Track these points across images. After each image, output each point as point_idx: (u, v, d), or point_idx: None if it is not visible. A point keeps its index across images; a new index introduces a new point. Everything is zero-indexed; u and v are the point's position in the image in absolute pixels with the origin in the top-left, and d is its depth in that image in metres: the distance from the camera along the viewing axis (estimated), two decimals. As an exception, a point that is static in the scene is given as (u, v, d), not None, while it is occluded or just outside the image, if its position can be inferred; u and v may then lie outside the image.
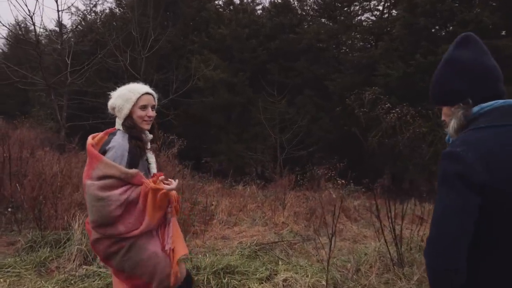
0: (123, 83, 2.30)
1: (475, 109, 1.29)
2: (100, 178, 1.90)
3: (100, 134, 2.13)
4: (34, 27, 11.20)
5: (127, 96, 2.12)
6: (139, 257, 1.99)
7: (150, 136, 2.22)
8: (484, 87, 1.29)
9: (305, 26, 19.93)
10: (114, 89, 2.24)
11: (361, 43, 19.77)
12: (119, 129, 2.12)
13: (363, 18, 20.02)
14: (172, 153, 5.22)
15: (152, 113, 2.18)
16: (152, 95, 2.22)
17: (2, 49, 18.45)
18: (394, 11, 19.22)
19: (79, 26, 19.46)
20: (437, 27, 13.36)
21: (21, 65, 14.29)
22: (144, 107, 2.14)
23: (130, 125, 2.11)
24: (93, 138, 2.08)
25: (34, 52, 11.20)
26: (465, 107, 1.30)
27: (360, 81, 17.33)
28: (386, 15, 19.61)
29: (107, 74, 17.51)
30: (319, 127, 17.61)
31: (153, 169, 2.21)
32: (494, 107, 1.25)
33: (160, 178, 2.04)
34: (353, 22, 19.88)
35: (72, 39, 16.99)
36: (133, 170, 1.98)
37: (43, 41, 18.42)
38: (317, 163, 21.47)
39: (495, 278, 1.20)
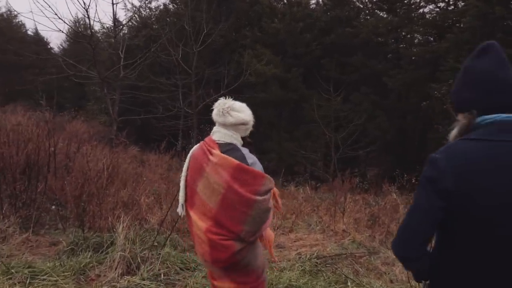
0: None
1: (478, 120, 1.30)
2: (267, 192, 2.10)
3: (218, 152, 2.13)
4: (89, 19, 11.27)
5: (253, 118, 2.29)
6: (258, 250, 2.23)
7: None
8: (491, 99, 1.30)
9: (362, 20, 18.81)
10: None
11: (423, 37, 18.30)
12: (235, 143, 2.19)
13: (426, 10, 18.53)
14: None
15: None
16: None
17: (62, 45, 19.12)
18: (461, 1, 17.65)
19: (133, 21, 19.77)
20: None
21: (78, 60, 14.62)
22: None
23: (249, 142, 2.30)
24: (212, 154, 2.13)
25: (89, 45, 11.26)
26: (469, 117, 1.33)
27: (422, 77, 16.06)
28: (452, 6, 18.05)
29: (160, 69, 17.55)
30: (375, 126, 16.53)
31: None
32: (494, 121, 1.27)
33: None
34: (415, 15, 18.50)
35: (127, 34, 17.24)
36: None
37: (99, 37, 18.88)
38: (373, 163, 20.43)
39: (454, 273, 1.32)
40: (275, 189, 2.26)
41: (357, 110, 16.22)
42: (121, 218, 3.80)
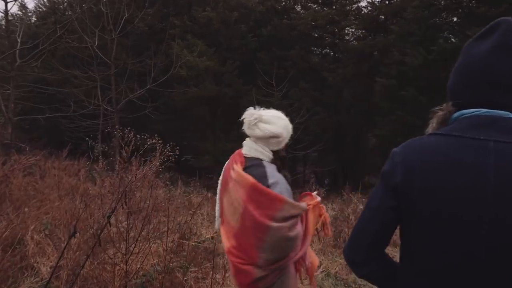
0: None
1: (456, 114, 1.16)
2: (287, 219, 1.83)
3: (237, 168, 1.94)
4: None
5: (289, 129, 2.08)
6: (291, 282, 1.98)
7: None
8: (476, 92, 1.12)
9: (299, 11, 17.97)
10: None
11: (361, 31, 17.93)
12: (262, 158, 1.99)
13: (363, 4, 18.21)
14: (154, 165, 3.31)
15: None
16: None
17: None
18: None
19: (41, 6, 16.90)
20: (471, 4, 11.54)
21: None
22: None
23: (283, 157, 2.09)
24: (233, 169, 1.95)
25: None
26: (446, 109, 1.20)
27: (364, 72, 15.59)
28: (387, 1, 17.93)
29: (74, 60, 15.07)
30: (316, 123, 15.73)
31: None
32: (471, 116, 1.12)
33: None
34: (350, 8, 18.10)
35: (37, 22, 14.53)
36: (305, 204, 2.01)
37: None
38: (315, 163, 19.76)
39: (407, 273, 1.19)
40: (326, 214, 2.11)
41: (297, 106, 15.24)
42: None
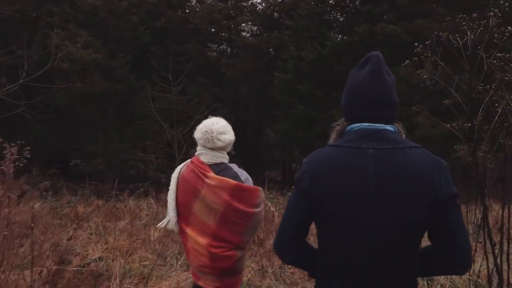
0: None
1: (348, 127, 1.42)
2: (261, 203, 2.30)
3: (214, 175, 2.21)
4: None
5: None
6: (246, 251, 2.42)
7: None
8: (360, 109, 1.39)
9: (195, 4, 17.34)
10: None
11: (257, 27, 18.03)
12: (224, 162, 2.30)
13: (258, 0, 18.31)
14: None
15: None
16: None
17: None
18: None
19: None
20: (357, 3, 12.17)
21: None
22: None
23: (232, 155, 2.41)
24: (207, 177, 2.19)
25: None
26: (341, 124, 1.47)
27: (261, 67, 15.65)
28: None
29: None
30: (216, 120, 15.31)
31: None
32: (358, 129, 1.38)
33: None
34: (245, 4, 18.11)
35: None
36: None
37: None
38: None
39: (322, 265, 1.44)
40: None
41: (196, 102, 14.64)
42: None
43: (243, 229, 2.20)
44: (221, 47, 19.06)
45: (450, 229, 1.29)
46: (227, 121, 2.38)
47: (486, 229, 2.82)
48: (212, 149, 2.25)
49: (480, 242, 3.00)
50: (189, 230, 2.24)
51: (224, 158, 2.29)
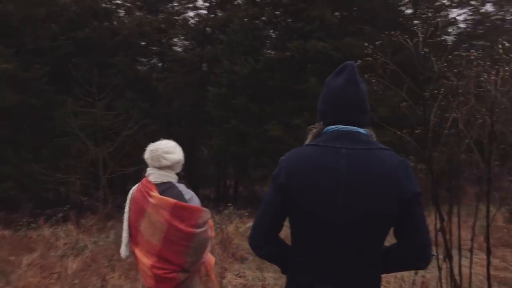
0: None
1: (324, 129, 1.52)
2: (205, 223, 2.29)
3: (156, 194, 2.26)
4: None
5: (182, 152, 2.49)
6: (198, 278, 2.43)
7: None
8: (337, 113, 1.49)
9: (124, 15, 16.51)
10: None
11: (190, 41, 17.61)
12: (171, 181, 2.36)
13: (191, 14, 17.96)
14: None
15: None
16: None
17: None
18: (220, 11, 17.97)
19: None
20: (289, 21, 12.28)
21: None
22: None
23: (181, 176, 2.51)
24: (150, 196, 2.25)
25: None
26: (318, 127, 1.57)
27: (194, 82, 15.21)
28: (213, 15, 18.20)
29: None
30: (146, 136, 14.49)
31: None
32: (333, 130, 1.48)
33: None
34: (177, 19, 17.69)
35: None
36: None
37: None
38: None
39: (294, 258, 1.50)
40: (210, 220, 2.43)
41: (124, 118, 13.71)
42: None
43: (184, 250, 2.20)
44: (151, 61, 18.31)
45: (414, 226, 1.39)
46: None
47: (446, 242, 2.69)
48: (159, 168, 2.32)
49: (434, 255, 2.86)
50: (137, 251, 2.29)
51: (171, 177, 2.35)
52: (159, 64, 18.03)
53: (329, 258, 1.40)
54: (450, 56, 2.97)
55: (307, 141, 1.56)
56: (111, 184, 12.08)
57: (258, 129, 11.24)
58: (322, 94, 1.55)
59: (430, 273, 3.68)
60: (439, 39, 11.19)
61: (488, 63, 2.81)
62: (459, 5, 13.00)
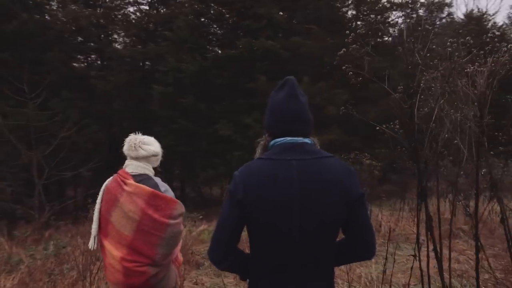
0: None
1: (271, 142, 1.59)
2: (179, 216, 2.29)
3: (132, 182, 2.26)
4: None
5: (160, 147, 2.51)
6: (172, 273, 2.40)
7: None
8: (281, 125, 1.57)
9: (57, 8, 15.37)
10: None
11: (130, 38, 16.82)
12: (148, 173, 2.36)
13: (131, 10, 17.16)
14: None
15: None
16: None
17: None
18: (163, 7, 17.40)
19: None
20: (235, 18, 12.09)
21: None
22: None
23: (160, 171, 2.51)
24: (126, 184, 2.25)
25: None
26: (265, 139, 1.64)
27: (137, 80, 14.54)
28: (155, 11, 17.58)
29: None
30: (86, 138, 13.61)
31: None
32: (281, 143, 1.55)
33: None
34: (117, 14, 16.83)
35: None
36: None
37: None
38: (90, 184, 17.08)
39: (254, 269, 1.56)
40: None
41: (61, 118, 12.73)
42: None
43: (157, 241, 2.18)
44: (89, 58, 17.26)
45: (360, 224, 1.51)
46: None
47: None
48: (136, 158, 2.32)
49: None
50: (106, 243, 2.23)
51: (147, 170, 2.35)
52: (98, 62, 17.03)
53: (289, 266, 1.47)
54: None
55: (257, 154, 1.62)
56: (47, 190, 11.15)
57: (207, 129, 10.97)
58: (267, 108, 1.63)
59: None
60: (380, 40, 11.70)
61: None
62: (400, 8, 13.67)
